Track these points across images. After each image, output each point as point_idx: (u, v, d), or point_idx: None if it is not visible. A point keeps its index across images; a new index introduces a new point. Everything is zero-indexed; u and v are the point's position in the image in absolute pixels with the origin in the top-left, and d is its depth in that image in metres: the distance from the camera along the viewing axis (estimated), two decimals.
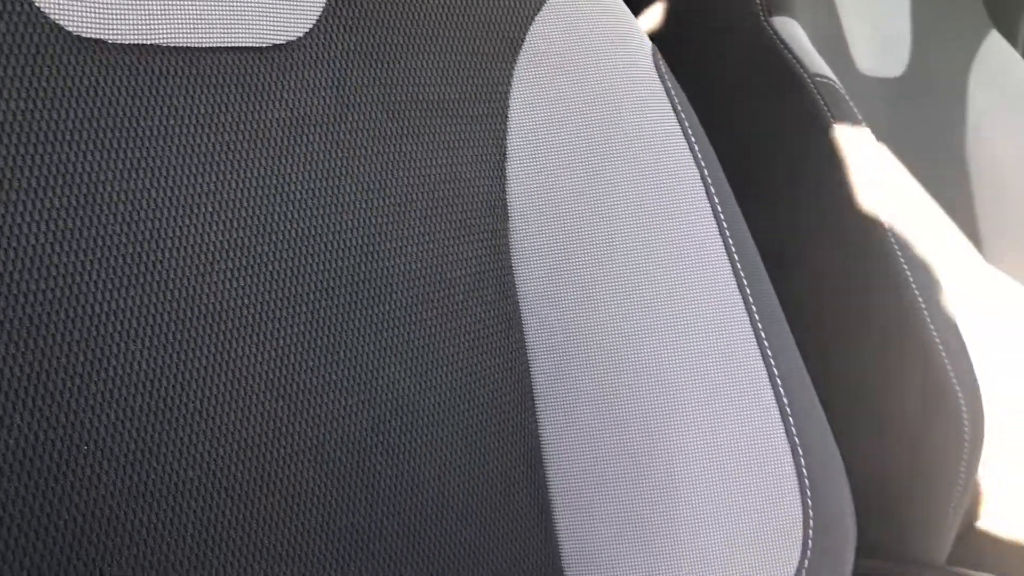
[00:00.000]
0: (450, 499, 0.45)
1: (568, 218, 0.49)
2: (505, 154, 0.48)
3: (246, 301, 0.39)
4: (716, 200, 0.50)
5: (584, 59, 0.50)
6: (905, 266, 0.68)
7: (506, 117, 0.48)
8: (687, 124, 0.50)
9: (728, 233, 0.49)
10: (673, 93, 0.51)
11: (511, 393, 0.48)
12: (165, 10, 0.38)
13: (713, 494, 0.47)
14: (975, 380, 0.70)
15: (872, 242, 0.70)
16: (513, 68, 0.49)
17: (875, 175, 0.72)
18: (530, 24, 0.49)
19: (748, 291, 0.49)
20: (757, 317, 0.49)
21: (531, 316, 0.49)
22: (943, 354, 0.68)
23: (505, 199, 0.48)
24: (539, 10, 0.50)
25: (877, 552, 0.67)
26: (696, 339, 0.48)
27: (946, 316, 0.69)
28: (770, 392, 0.48)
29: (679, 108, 0.50)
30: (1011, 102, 1.06)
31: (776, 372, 0.48)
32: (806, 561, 0.47)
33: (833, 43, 0.86)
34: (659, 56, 0.51)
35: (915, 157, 0.93)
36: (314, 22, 0.42)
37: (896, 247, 0.69)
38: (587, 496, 0.49)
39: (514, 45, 0.49)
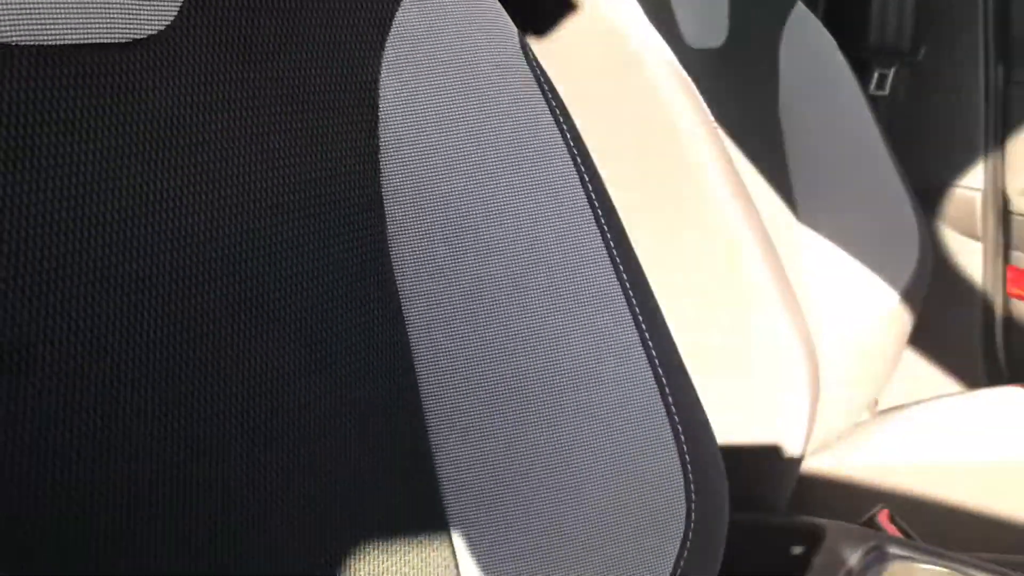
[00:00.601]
0: (343, 495, 0.44)
1: (445, 213, 0.48)
2: (378, 147, 0.47)
3: (123, 322, 0.36)
4: (590, 188, 0.50)
5: (453, 45, 0.49)
6: (748, 240, 0.71)
7: (377, 108, 0.47)
8: (558, 112, 0.50)
9: (603, 220, 0.50)
10: (543, 81, 0.50)
11: (397, 391, 0.47)
12: (11, 5, 0.34)
13: (605, 477, 0.48)
14: (812, 344, 0.75)
15: (708, 215, 0.73)
16: (381, 56, 0.47)
17: (710, 148, 0.75)
18: (396, 9, 0.48)
19: (624, 276, 0.50)
20: (634, 301, 0.50)
21: (414, 313, 0.48)
22: (782, 318, 0.73)
23: (381, 195, 0.47)
24: None
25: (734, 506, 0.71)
26: (580, 327, 0.49)
27: (785, 284, 0.73)
28: (651, 374, 0.49)
29: (549, 96, 0.50)
30: (814, 70, 1.13)
31: (655, 355, 0.50)
32: (691, 523, 0.49)
33: (662, 17, 0.88)
34: (527, 43, 0.51)
35: (736, 124, 0.97)
36: (174, 15, 0.39)
37: (734, 221, 0.72)
38: (477, 485, 0.49)
39: (381, 31, 0.47)
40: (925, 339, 1.22)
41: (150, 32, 0.38)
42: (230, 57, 0.41)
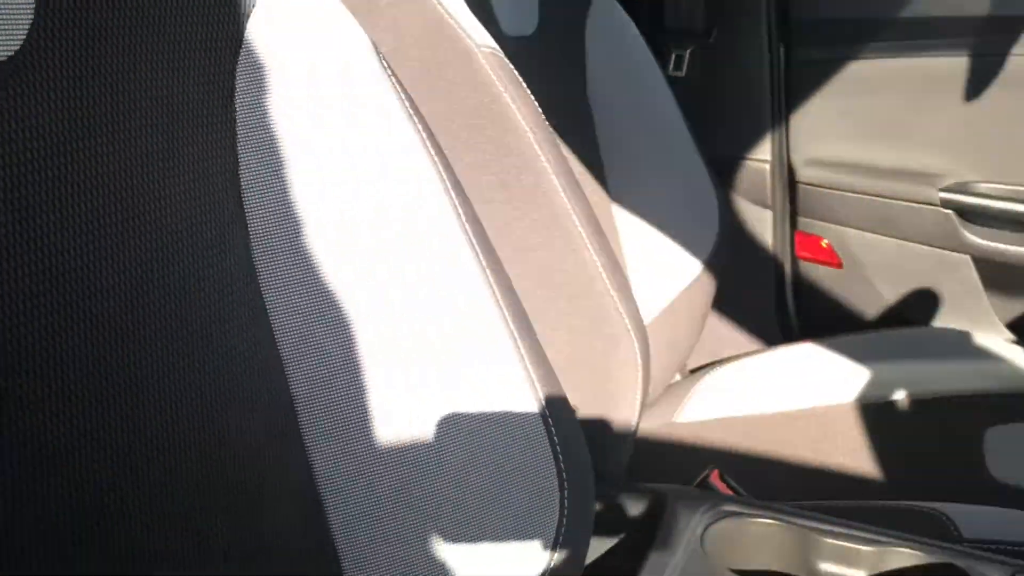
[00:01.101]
0: (216, 495, 0.44)
1: (307, 223, 0.48)
2: (238, 163, 0.46)
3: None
4: (448, 184, 0.51)
5: (302, 55, 0.48)
6: (577, 222, 0.74)
7: (234, 122, 0.46)
8: (413, 116, 0.51)
9: (462, 213, 0.51)
10: (395, 82, 0.51)
11: (269, 408, 0.47)
12: None
13: (478, 460, 0.50)
14: (641, 318, 0.79)
15: (544, 204, 0.76)
16: (235, 69, 0.46)
17: (541, 137, 0.77)
18: (246, 23, 0.47)
19: (484, 263, 0.52)
20: (494, 286, 0.52)
21: (280, 322, 0.47)
22: (614, 296, 0.76)
23: (243, 210, 0.46)
24: (254, 7, 0.47)
25: None
26: (446, 315, 0.50)
27: (615, 263, 0.77)
28: (520, 364, 0.51)
29: (403, 97, 0.51)
30: (618, 54, 1.18)
31: (518, 339, 0.52)
32: (566, 501, 0.52)
33: (480, 5, 0.90)
34: (379, 51, 0.51)
35: (551, 110, 1.00)
36: (23, 39, 0.37)
37: (567, 207, 0.75)
38: (352, 471, 0.49)
39: (232, 46, 0.46)
40: (725, 302, 1.31)
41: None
42: (88, 79, 0.39)
